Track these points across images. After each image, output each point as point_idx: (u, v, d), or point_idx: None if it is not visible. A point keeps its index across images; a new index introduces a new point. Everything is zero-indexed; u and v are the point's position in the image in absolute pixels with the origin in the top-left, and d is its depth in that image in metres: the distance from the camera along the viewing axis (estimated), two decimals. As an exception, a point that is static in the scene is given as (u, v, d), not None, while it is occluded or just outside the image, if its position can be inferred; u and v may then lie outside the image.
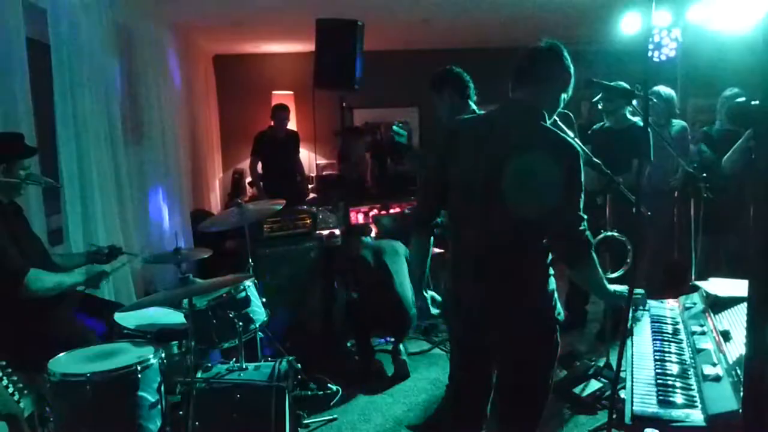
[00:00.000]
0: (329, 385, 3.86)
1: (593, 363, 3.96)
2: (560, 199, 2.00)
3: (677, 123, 4.72)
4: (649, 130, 4.11)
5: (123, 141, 4.33)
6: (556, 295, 2.19)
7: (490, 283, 2.15)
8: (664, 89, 4.66)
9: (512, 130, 2.11)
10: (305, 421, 3.51)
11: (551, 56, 2.15)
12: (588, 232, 2.07)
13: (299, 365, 3.02)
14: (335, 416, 3.61)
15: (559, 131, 2.11)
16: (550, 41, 2.17)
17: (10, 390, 1.75)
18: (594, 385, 3.74)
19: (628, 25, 5.34)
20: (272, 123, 6.60)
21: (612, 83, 3.79)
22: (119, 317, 3.02)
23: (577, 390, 3.71)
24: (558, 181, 1.99)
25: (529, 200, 2.01)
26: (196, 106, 6.85)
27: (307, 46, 6.54)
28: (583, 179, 2.04)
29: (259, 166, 6.70)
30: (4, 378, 1.74)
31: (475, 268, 2.19)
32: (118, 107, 4.28)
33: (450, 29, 6.78)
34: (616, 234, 3.49)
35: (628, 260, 3.40)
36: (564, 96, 2.20)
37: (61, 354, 2.57)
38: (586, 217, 2.07)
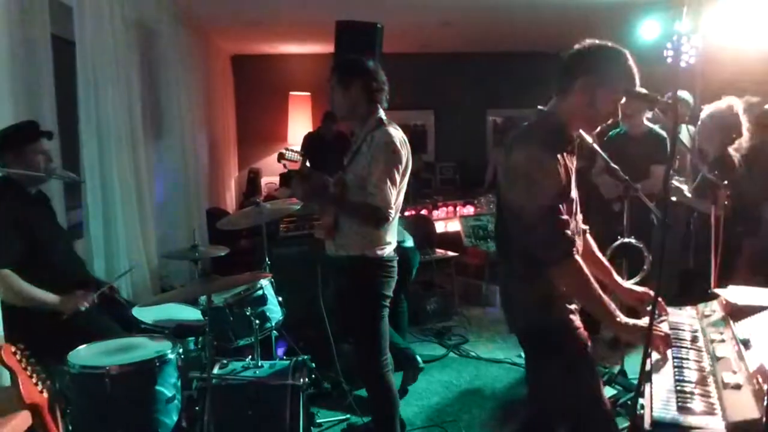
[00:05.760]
0: (343, 384, 3.86)
1: (607, 370, 3.94)
2: None
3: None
4: (666, 135, 4.12)
5: (143, 138, 4.37)
6: None
7: None
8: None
9: None
10: (318, 420, 3.52)
11: None
12: None
13: (313, 364, 3.03)
14: (348, 416, 3.62)
15: None
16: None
17: (33, 379, 1.77)
18: (608, 392, 3.72)
19: (647, 31, 5.36)
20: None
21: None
22: (138, 312, 3.06)
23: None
24: None
25: None
26: (214, 106, 6.90)
27: (325, 48, 6.56)
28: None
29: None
30: (29, 367, 1.76)
31: None
32: (139, 105, 4.32)
33: (468, 33, 6.78)
34: (633, 241, 3.47)
35: (645, 267, 3.38)
36: None
37: (81, 346, 2.61)
38: None
